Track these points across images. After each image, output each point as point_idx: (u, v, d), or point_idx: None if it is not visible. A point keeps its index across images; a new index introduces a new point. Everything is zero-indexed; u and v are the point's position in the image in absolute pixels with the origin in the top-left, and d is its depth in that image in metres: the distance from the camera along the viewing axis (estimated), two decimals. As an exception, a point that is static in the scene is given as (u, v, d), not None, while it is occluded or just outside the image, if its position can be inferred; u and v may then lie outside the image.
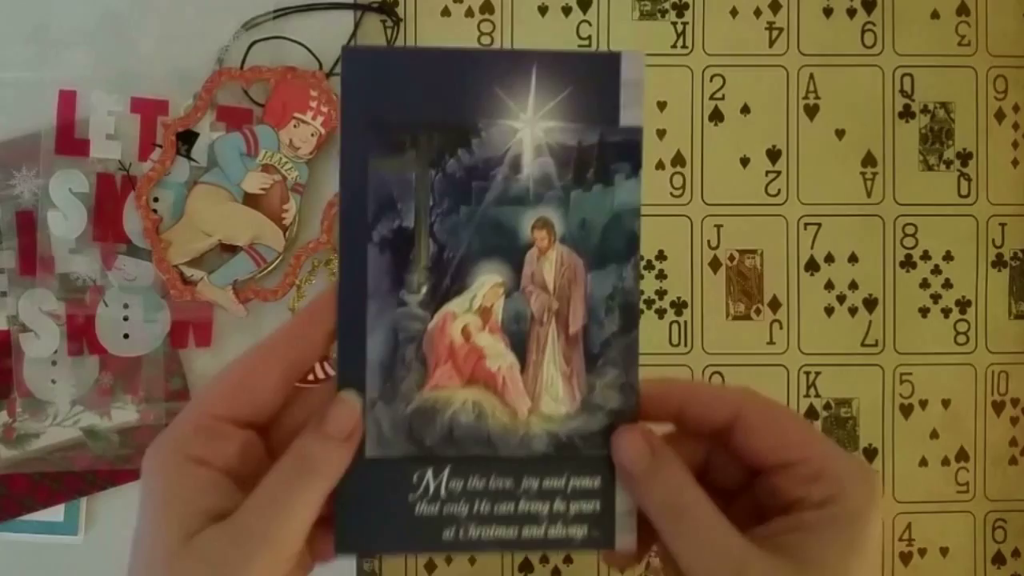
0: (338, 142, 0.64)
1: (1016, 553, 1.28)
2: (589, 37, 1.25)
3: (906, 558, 1.26)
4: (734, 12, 1.26)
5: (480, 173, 0.64)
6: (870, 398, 1.27)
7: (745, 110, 1.26)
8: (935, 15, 1.28)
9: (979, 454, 1.28)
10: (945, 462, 1.28)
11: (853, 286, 1.27)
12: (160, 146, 1.17)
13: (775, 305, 1.26)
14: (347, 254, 0.63)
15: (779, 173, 1.26)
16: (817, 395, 1.27)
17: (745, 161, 1.26)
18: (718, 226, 1.26)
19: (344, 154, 0.63)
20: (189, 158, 1.17)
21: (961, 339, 1.28)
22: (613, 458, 0.65)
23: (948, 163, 1.27)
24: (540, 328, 0.65)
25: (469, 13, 1.24)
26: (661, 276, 1.25)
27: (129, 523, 0.61)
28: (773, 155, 1.26)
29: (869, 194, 1.27)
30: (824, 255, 1.27)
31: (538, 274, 0.64)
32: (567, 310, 0.65)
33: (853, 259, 1.27)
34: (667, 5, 1.26)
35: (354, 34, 1.20)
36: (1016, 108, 1.28)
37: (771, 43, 1.26)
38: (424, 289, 0.63)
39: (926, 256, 1.27)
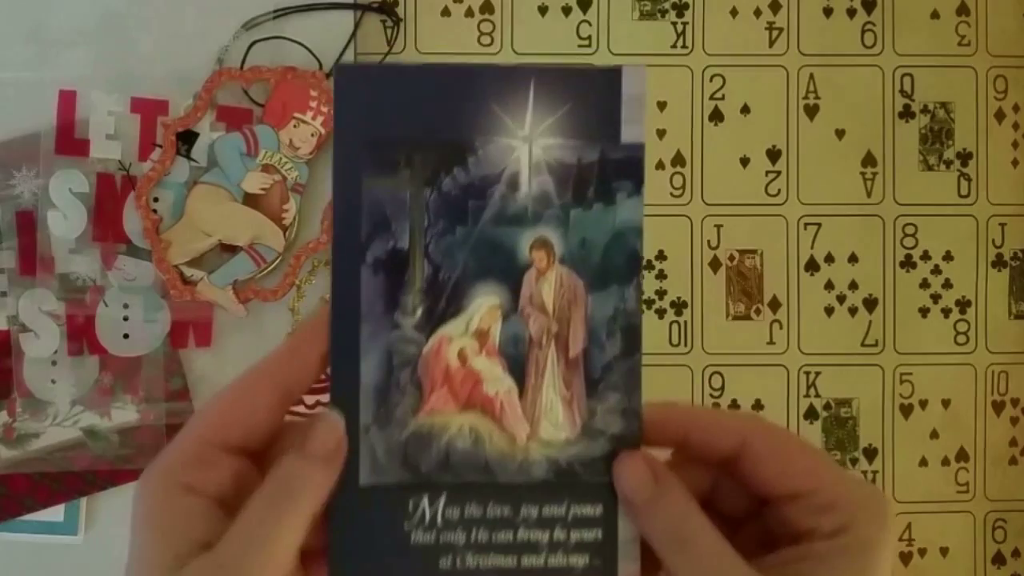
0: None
1: (1016, 553, 1.27)
2: (589, 37, 1.24)
3: (906, 558, 1.25)
4: (734, 12, 1.25)
5: (476, 192, 0.61)
6: (870, 398, 1.26)
7: (745, 110, 1.25)
8: (935, 15, 1.26)
9: (979, 454, 1.27)
10: (945, 462, 1.27)
11: (853, 286, 1.26)
12: (160, 146, 1.15)
13: (775, 305, 1.25)
14: (340, 275, 0.60)
15: (779, 173, 1.25)
16: (817, 395, 1.26)
17: (745, 161, 1.25)
18: (718, 226, 1.25)
19: (337, 172, 0.60)
20: (189, 158, 1.15)
21: (961, 339, 1.27)
22: (615, 485, 0.62)
23: (948, 163, 1.26)
24: (539, 351, 0.62)
25: (469, 13, 1.23)
26: (661, 276, 1.24)
27: (129, 523, 0.59)
28: (773, 155, 1.25)
29: (869, 194, 1.26)
30: (824, 255, 1.26)
31: (537, 296, 0.61)
32: (567, 333, 0.62)
33: (853, 259, 1.26)
34: (667, 5, 1.25)
35: (354, 34, 1.19)
36: (1016, 108, 1.27)
37: (771, 43, 1.25)
38: (419, 311, 0.60)
39: (926, 256, 1.26)
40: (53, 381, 1.15)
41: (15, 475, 1.15)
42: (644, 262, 1.21)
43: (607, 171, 0.61)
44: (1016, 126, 1.27)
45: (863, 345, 1.26)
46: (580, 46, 1.24)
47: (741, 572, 0.58)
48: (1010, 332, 1.27)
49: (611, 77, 0.61)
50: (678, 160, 1.24)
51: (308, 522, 0.58)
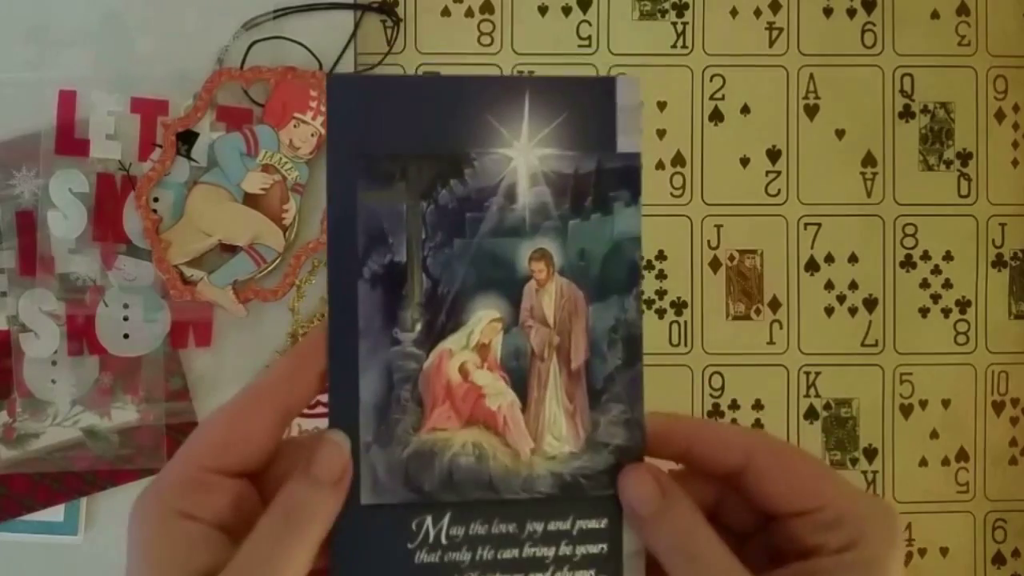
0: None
1: (1016, 553, 1.27)
2: (589, 37, 1.24)
3: (906, 558, 1.24)
4: (734, 12, 1.25)
5: (474, 204, 0.59)
6: (870, 398, 1.26)
7: (745, 110, 1.25)
8: (935, 15, 1.26)
9: (979, 454, 1.27)
10: (945, 462, 1.26)
11: (853, 286, 1.26)
12: (160, 146, 1.14)
13: (775, 305, 1.25)
14: (337, 291, 0.59)
15: (779, 173, 1.25)
16: (817, 395, 1.25)
17: (745, 161, 1.25)
18: (718, 226, 1.25)
19: (331, 186, 0.59)
20: (189, 158, 1.14)
21: (961, 339, 1.27)
22: (620, 498, 0.60)
23: (948, 163, 1.26)
24: (541, 364, 0.60)
25: (469, 13, 1.23)
26: (661, 276, 1.24)
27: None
28: (773, 155, 1.25)
29: (869, 194, 1.26)
30: (824, 255, 1.25)
31: (537, 308, 0.60)
32: (568, 344, 0.61)
33: (853, 259, 1.26)
34: (667, 5, 1.24)
35: (354, 34, 1.18)
36: (1016, 108, 1.26)
37: (771, 43, 1.25)
38: (418, 326, 0.59)
39: (926, 256, 1.26)
40: (53, 381, 1.14)
41: (15, 475, 1.14)
42: (644, 265, 1.20)
43: (604, 181, 0.60)
44: (1016, 126, 1.26)
45: (863, 345, 1.25)
46: (580, 46, 1.23)
47: None
48: (1010, 332, 1.27)
49: (606, 86, 0.60)
50: (678, 160, 1.24)
51: (316, 548, 0.56)
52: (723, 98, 1.24)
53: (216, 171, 1.14)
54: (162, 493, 0.56)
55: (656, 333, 1.23)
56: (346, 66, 1.16)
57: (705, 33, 1.24)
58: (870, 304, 1.25)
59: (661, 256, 1.23)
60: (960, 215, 1.26)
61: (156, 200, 1.14)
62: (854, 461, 1.24)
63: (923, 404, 1.25)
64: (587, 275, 0.60)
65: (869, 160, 1.25)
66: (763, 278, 1.24)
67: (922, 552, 1.25)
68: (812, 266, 1.24)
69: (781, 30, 1.24)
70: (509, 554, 0.60)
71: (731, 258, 1.24)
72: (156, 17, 1.16)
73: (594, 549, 0.60)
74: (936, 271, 1.25)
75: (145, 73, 1.15)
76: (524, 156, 0.59)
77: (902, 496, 1.25)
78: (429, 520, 0.59)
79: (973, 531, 1.26)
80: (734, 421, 1.22)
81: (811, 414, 1.24)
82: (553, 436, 0.60)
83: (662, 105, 1.24)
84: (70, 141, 1.13)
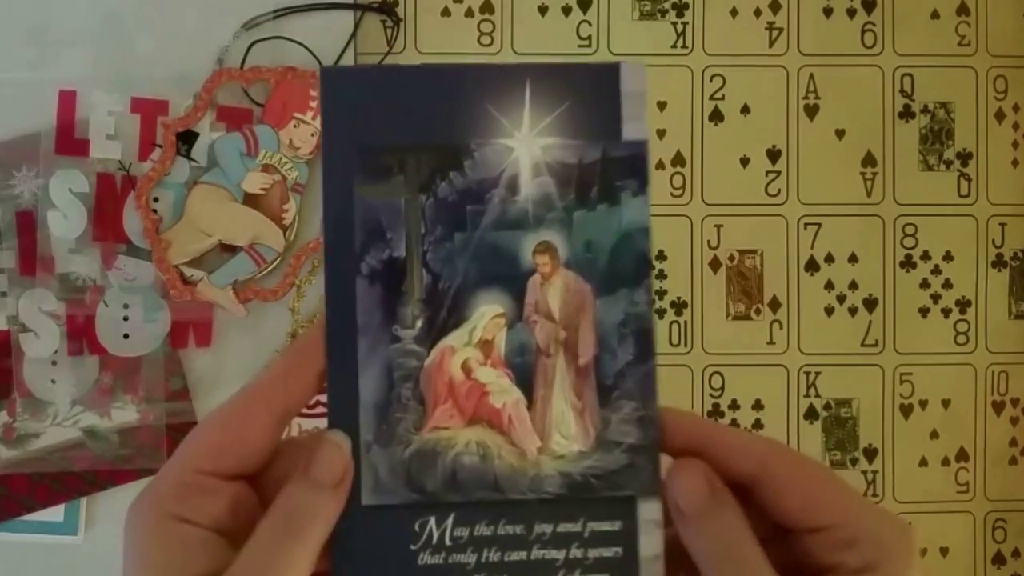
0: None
1: (1016, 553, 1.27)
2: (589, 37, 1.23)
3: (910, 562, 1.23)
4: (734, 12, 1.24)
5: (474, 196, 0.57)
6: (870, 398, 1.25)
7: (745, 110, 1.25)
8: (935, 15, 1.26)
9: (979, 454, 1.26)
10: (945, 462, 1.26)
11: (853, 286, 1.25)
12: (160, 146, 1.13)
13: (775, 305, 1.24)
14: (334, 288, 0.56)
15: (779, 173, 1.24)
16: (817, 395, 1.25)
17: (745, 161, 1.24)
18: (718, 226, 1.24)
19: (327, 181, 0.56)
20: (189, 158, 1.13)
21: (961, 339, 1.26)
22: (667, 493, 0.57)
23: (948, 163, 1.26)
24: (547, 360, 0.58)
25: (469, 13, 1.23)
26: (661, 276, 1.23)
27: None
28: (773, 155, 1.24)
29: (869, 194, 1.25)
30: (824, 255, 1.25)
31: (542, 302, 0.57)
32: (575, 340, 0.58)
33: (853, 259, 1.25)
34: (667, 5, 1.24)
35: (354, 34, 1.17)
36: (1016, 108, 1.26)
37: (771, 43, 1.25)
38: (419, 323, 0.56)
39: (926, 256, 1.26)
40: (53, 381, 1.13)
41: (15, 475, 1.13)
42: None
43: (610, 170, 0.58)
44: (1016, 126, 1.26)
45: (863, 345, 1.25)
46: (580, 46, 1.23)
47: None
48: (1010, 332, 1.26)
49: (609, 73, 0.58)
50: (678, 160, 1.23)
51: (318, 551, 0.54)
52: (723, 98, 1.24)
53: (216, 171, 1.13)
54: (158, 498, 0.54)
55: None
56: (346, 66, 1.15)
57: (705, 33, 1.23)
58: (870, 304, 1.24)
59: (661, 256, 1.23)
60: (960, 215, 1.25)
61: (156, 200, 1.13)
62: (854, 461, 1.24)
63: (923, 404, 1.25)
64: (594, 268, 0.57)
65: (869, 160, 1.24)
66: (763, 278, 1.23)
67: (922, 552, 1.24)
68: (812, 266, 1.24)
69: (781, 30, 1.23)
70: (517, 556, 0.57)
71: (731, 258, 1.23)
72: (156, 17, 1.15)
73: (608, 552, 0.58)
74: (936, 271, 1.25)
75: (145, 73, 1.14)
76: (526, 146, 0.57)
77: (902, 496, 1.24)
78: (432, 521, 0.57)
79: (973, 531, 1.25)
80: (734, 421, 1.22)
81: (811, 414, 1.24)
82: (561, 434, 0.57)
83: (662, 105, 1.23)
84: (70, 141, 1.13)
